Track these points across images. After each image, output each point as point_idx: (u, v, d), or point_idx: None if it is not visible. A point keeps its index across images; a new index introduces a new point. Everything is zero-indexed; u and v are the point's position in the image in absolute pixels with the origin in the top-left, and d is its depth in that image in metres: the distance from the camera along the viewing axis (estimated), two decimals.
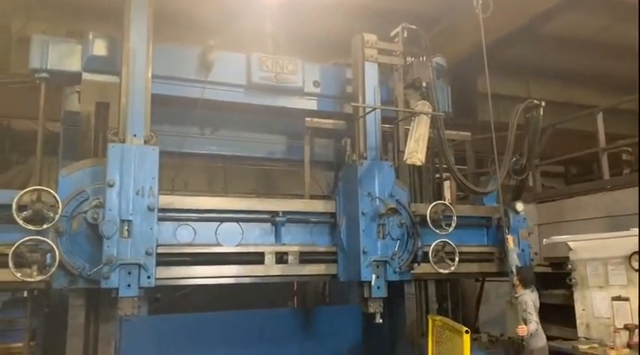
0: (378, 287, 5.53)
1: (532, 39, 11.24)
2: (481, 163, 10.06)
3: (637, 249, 5.91)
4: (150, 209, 4.86)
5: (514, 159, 6.65)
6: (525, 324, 5.62)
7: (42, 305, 6.12)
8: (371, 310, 5.58)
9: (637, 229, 5.92)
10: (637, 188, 7.03)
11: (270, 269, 5.68)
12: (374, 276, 5.50)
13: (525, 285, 5.92)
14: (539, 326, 5.82)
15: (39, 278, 4.55)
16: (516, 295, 5.93)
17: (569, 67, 13.20)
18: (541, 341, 5.81)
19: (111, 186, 4.76)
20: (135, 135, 4.97)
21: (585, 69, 13.15)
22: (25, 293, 5.91)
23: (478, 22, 6.16)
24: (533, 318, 5.70)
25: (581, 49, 12.13)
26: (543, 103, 6.57)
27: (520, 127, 6.72)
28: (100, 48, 5.58)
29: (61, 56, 5.55)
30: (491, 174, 6.94)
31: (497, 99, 6.47)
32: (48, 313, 6.20)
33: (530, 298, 5.84)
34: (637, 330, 5.82)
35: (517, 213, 6.72)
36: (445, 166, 6.86)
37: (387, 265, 5.58)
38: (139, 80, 5.06)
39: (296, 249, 5.79)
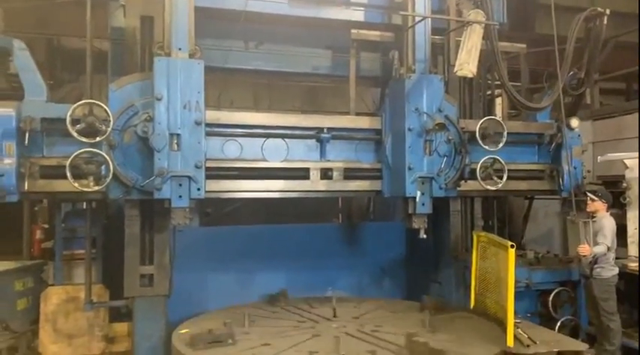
0: (423, 204, 5.51)
1: None
2: (535, 79, 9.61)
3: None
4: (197, 123, 4.92)
5: (571, 73, 6.29)
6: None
7: (100, 216, 6.50)
8: (415, 226, 5.59)
9: None
10: None
11: (315, 184, 5.72)
12: (419, 192, 5.47)
13: (609, 207, 5.96)
14: (613, 254, 5.78)
15: (95, 188, 4.75)
16: (594, 217, 5.92)
17: None
18: (611, 271, 5.79)
19: (159, 99, 4.82)
20: (180, 49, 4.95)
21: None
22: (85, 205, 6.25)
23: None
24: (607, 242, 5.66)
25: None
26: (607, 11, 6.10)
27: (579, 40, 6.31)
28: None
29: None
30: (546, 90, 6.62)
31: (558, 11, 6.00)
32: (106, 223, 6.59)
33: (609, 221, 5.83)
34: None
35: (571, 129, 6.44)
36: (497, 82, 6.57)
37: (433, 181, 5.52)
38: None
39: (341, 165, 5.79)
